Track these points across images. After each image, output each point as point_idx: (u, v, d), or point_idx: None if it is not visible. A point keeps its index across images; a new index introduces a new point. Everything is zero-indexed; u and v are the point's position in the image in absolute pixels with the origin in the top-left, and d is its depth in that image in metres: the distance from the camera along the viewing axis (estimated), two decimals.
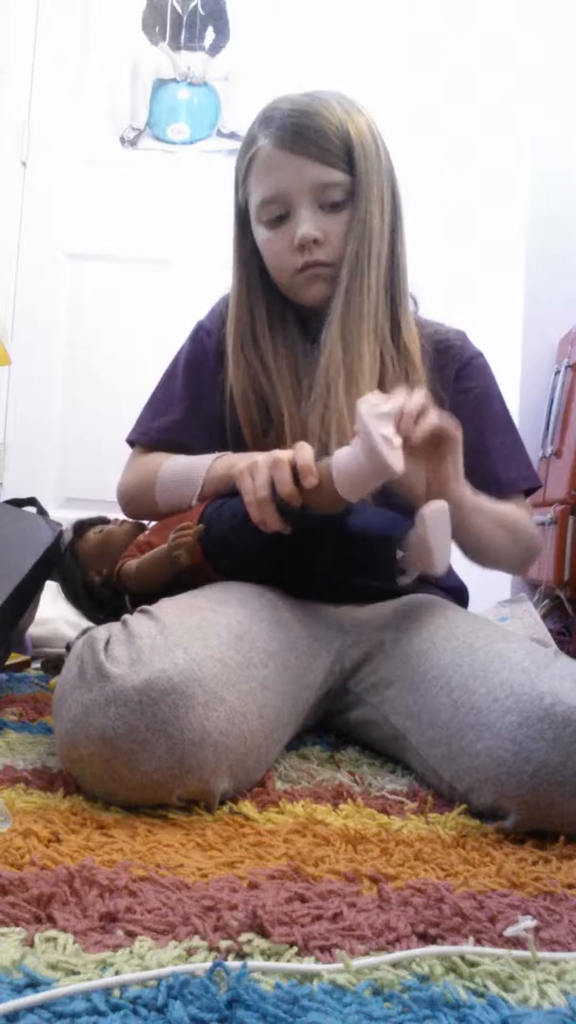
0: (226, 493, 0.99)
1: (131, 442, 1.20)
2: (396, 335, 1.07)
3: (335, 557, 0.94)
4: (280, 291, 1.10)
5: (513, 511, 1.08)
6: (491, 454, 1.11)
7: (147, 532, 1.10)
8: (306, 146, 1.02)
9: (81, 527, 1.15)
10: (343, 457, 0.86)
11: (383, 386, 1.03)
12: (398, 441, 0.83)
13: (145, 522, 1.15)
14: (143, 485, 1.12)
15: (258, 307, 1.10)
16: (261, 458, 0.90)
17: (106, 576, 1.09)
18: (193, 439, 1.12)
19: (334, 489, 0.86)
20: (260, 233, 1.08)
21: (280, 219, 1.05)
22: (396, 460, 0.82)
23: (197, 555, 0.97)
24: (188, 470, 1.06)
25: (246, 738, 0.76)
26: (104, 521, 1.16)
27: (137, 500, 1.14)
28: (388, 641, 0.96)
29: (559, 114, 2.30)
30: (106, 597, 1.08)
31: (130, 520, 1.15)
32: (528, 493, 1.16)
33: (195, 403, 1.16)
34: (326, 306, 1.06)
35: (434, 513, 0.88)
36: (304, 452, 0.88)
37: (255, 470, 0.89)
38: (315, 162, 1.02)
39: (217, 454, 1.05)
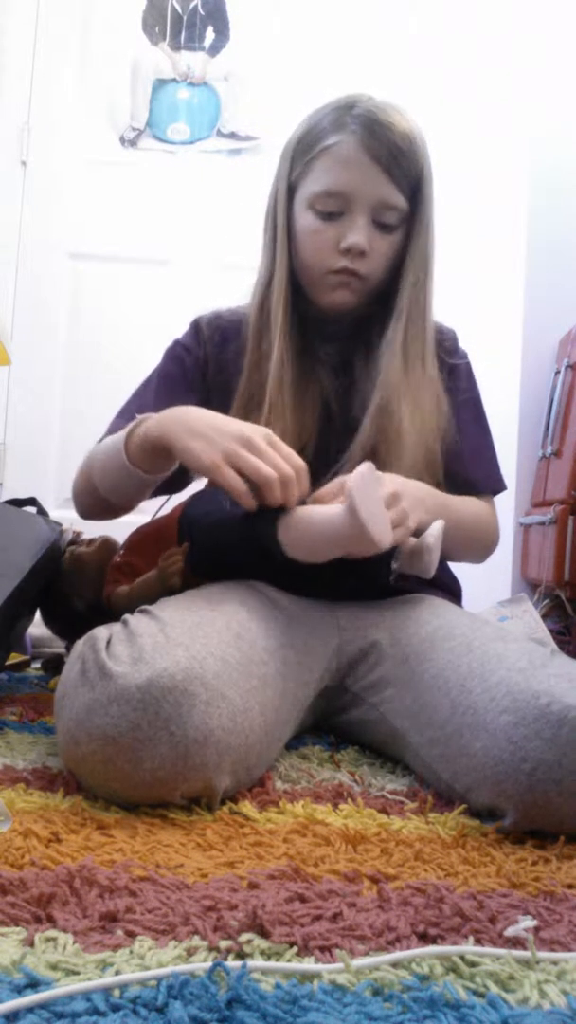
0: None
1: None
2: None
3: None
4: (301, 285, 1.10)
5: (475, 505, 1.14)
6: (465, 457, 1.15)
7: (121, 553, 1.08)
8: (389, 161, 1.02)
9: None
10: (319, 515, 0.85)
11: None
12: (387, 517, 0.85)
13: (111, 536, 1.13)
14: (83, 475, 1.10)
15: (280, 282, 1.09)
16: (232, 447, 0.87)
17: (91, 601, 1.08)
18: None
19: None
20: (307, 219, 1.07)
21: (332, 215, 1.05)
22: (384, 534, 0.83)
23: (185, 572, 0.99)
24: (113, 443, 1.01)
25: (248, 735, 0.76)
26: (70, 542, 1.15)
27: (81, 494, 1.11)
28: (385, 640, 0.96)
29: (558, 113, 2.29)
30: (95, 622, 1.07)
31: (97, 539, 1.14)
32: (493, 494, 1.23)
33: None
34: (345, 316, 1.09)
35: (360, 478, 0.84)
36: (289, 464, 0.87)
37: (237, 458, 0.86)
38: (390, 180, 1.03)
39: (137, 419, 0.99)
